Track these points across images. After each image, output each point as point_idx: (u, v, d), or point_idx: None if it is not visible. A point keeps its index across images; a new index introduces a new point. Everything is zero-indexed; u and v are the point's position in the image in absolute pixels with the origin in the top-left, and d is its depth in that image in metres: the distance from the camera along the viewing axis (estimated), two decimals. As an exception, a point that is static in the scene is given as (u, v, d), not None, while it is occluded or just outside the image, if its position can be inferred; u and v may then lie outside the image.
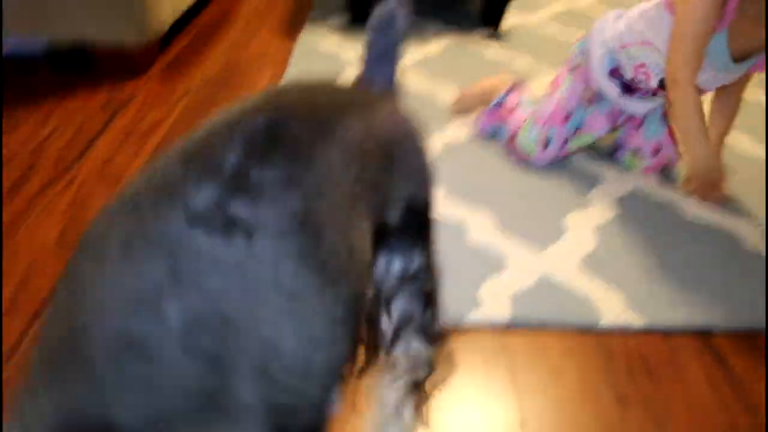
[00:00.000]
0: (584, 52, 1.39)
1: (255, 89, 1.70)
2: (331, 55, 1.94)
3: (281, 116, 0.46)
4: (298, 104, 0.50)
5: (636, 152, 1.41)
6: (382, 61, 0.74)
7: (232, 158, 0.39)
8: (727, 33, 1.17)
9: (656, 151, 1.40)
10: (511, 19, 2.32)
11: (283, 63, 1.88)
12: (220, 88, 1.71)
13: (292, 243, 0.38)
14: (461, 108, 1.59)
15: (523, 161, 1.41)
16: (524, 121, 1.41)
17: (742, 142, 1.59)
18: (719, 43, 1.18)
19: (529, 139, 1.39)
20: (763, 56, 1.21)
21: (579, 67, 1.40)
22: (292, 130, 0.45)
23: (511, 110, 1.45)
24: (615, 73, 1.35)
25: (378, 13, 0.73)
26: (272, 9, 2.37)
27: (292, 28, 2.17)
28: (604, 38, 1.35)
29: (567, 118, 1.38)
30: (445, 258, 0.67)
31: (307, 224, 0.39)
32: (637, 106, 1.38)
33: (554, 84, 1.44)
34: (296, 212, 0.39)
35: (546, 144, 1.38)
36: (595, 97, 1.39)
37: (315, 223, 0.40)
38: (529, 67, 1.93)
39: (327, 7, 2.35)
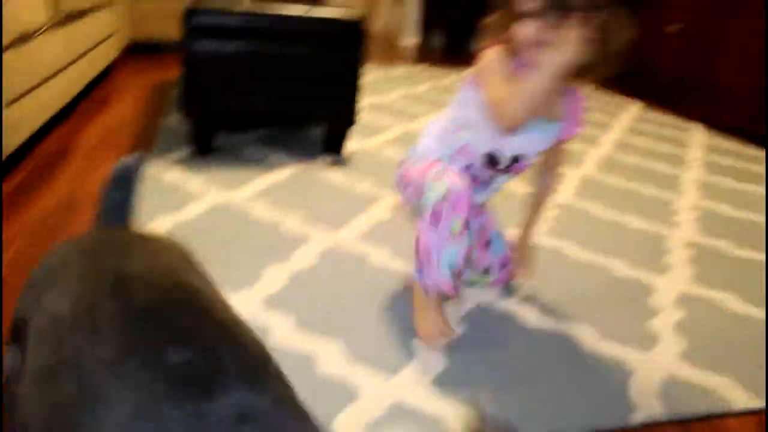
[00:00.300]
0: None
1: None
2: (176, 187, 1.93)
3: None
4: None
5: (486, 270, 1.47)
6: (116, 214, 0.82)
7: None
8: None
9: (503, 265, 1.47)
10: (352, 145, 2.46)
11: (126, 198, 1.84)
12: (57, 228, 1.64)
13: None
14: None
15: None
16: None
17: (575, 252, 1.76)
18: None
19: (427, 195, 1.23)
20: (569, 121, 1.30)
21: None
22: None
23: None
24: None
25: (116, 168, 0.81)
26: (113, 142, 2.34)
27: (134, 161, 2.15)
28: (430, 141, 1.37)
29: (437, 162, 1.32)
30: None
31: None
32: (479, 196, 1.39)
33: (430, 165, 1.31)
34: None
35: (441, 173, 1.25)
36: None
37: None
38: (374, 191, 2.04)
39: (170, 140, 2.37)
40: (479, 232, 1.44)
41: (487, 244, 1.47)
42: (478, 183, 1.36)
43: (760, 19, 3.36)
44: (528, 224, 1.48)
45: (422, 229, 1.21)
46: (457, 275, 1.21)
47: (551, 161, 1.41)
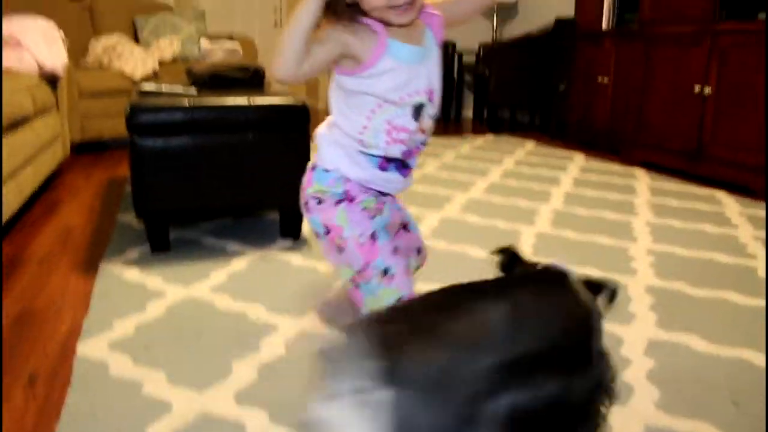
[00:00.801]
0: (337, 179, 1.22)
1: (54, 340, 1.60)
2: (136, 287, 1.90)
3: None
4: None
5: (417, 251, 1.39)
6: None
7: None
8: (391, 43, 1.12)
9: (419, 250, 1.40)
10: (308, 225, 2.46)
11: (84, 303, 1.80)
12: (13, 345, 1.58)
13: None
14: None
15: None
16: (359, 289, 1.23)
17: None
18: (396, 49, 1.12)
19: (378, 295, 1.20)
20: (432, 26, 1.21)
21: (347, 193, 1.21)
22: None
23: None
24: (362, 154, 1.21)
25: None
26: (66, 246, 2.30)
27: (89, 264, 2.11)
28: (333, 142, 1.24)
29: (375, 237, 1.20)
30: None
31: None
32: (397, 179, 1.25)
33: (337, 235, 1.22)
34: None
35: (389, 276, 1.20)
36: (379, 204, 1.25)
37: None
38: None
39: (126, 239, 2.34)
40: (398, 214, 1.35)
41: (406, 227, 1.38)
42: (417, 145, 1.23)
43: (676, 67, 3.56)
44: None
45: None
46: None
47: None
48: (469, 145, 4.56)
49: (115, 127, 4.16)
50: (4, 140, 2.31)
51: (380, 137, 1.17)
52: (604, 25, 4.48)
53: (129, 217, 2.59)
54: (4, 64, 3.01)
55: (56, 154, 3.24)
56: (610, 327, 1.67)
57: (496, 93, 5.33)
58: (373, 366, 0.64)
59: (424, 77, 1.17)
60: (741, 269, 2.13)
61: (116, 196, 3.02)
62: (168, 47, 4.64)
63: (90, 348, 1.53)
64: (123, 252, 2.20)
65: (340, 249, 1.20)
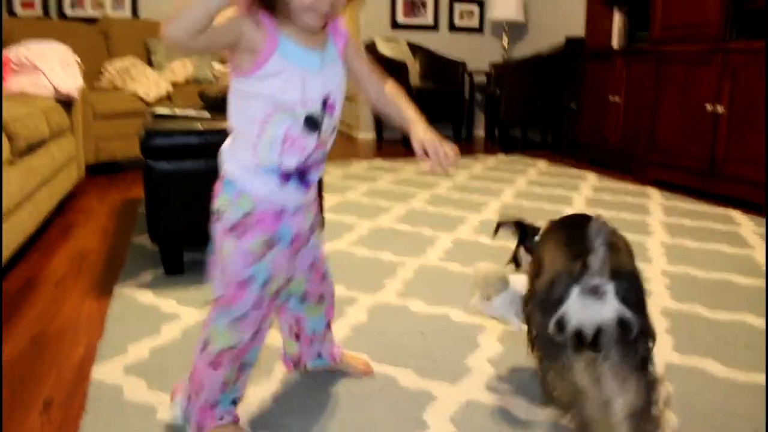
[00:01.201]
0: (234, 201, 1.19)
1: (69, 364, 1.60)
2: (150, 310, 1.90)
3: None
4: None
5: (320, 299, 1.43)
6: None
7: None
8: (283, 41, 1.09)
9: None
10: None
11: (99, 327, 1.81)
12: (28, 369, 1.58)
13: None
14: None
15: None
16: (209, 324, 1.24)
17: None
18: (289, 50, 1.10)
19: (216, 331, 1.23)
20: (335, 35, 1.18)
21: (245, 218, 1.19)
22: None
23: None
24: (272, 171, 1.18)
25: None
26: (81, 269, 2.31)
27: (104, 287, 2.12)
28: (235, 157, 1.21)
29: (245, 284, 1.20)
30: None
31: None
32: (297, 193, 1.23)
33: (219, 259, 1.23)
34: None
35: (237, 321, 1.22)
36: (274, 236, 1.21)
37: None
38: (348, 294, 2.03)
39: (141, 261, 2.35)
40: (312, 264, 1.37)
41: (323, 276, 1.42)
42: (316, 159, 1.21)
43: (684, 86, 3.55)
44: (404, 118, 1.27)
45: (199, 366, 1.25)
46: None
47: (370, 79, 1.29)
48: (482, 165, 4.56)
49: (128, 148, 4.20)
50: (20, 163, 2.33)
51: (274, 149, 1.14)
52: (614, 44, 4.49)
53: (143, 239, 2.61)
54: (21, 88, 3.05)
55: (71, 176, 3.27)
56: (626, 351, 1.65)
57: (507, 112, 5.34)
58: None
59: (319, 85, 1.14)
60: (758, 291, 2.11)
61: (130, 217, 3.03)
62: (181, 70, 4.69)
63: (105, 372, 1.54)
64: (137, 275, 2.21)
65: (218, 270, 1.23)
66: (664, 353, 1.65)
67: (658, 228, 2.88)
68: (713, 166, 3.47)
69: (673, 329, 1.80)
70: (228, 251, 1.20)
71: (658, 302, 1.99)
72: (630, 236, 2.70)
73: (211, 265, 1.25)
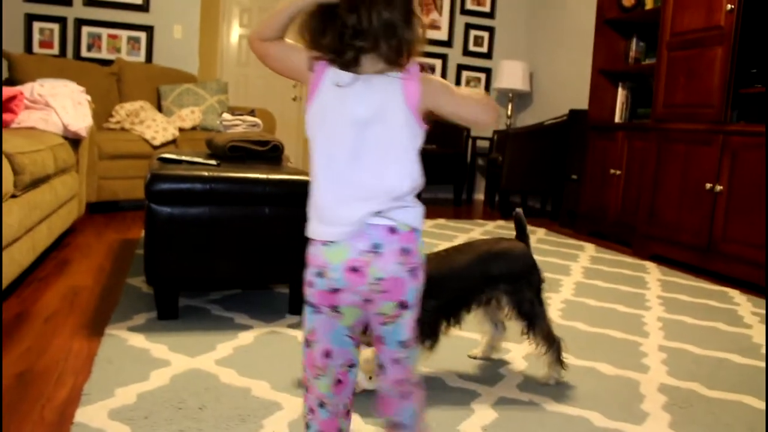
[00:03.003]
0: None
1: (53, 404, 1.56)
2: (140, 355, 1.87)
3: None
4: None
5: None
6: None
7: None
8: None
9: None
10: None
11: (87, 368, 1.77)
12: (11, 406, 1.54)
13: None
14: None
15: None
16: None
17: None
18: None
19: None
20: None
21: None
22: None
23: None
24: None
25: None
26: (73, 307, 2.28)
27: (95, 327, 2.09)
28: None
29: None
30: None
31: None
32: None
33: None
34: None
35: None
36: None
37: None
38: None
39: (133, 303, 2.32)
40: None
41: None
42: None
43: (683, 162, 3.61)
44: None
45: None
46: None
47: None
48: (480, 230, 4.57)
49: (130, 189, 4.22)
50: (23, 197, 2.34)
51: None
52: (617, 119, 4.58)
53: (138, 281, 2.59)
54: (33, 123, 3.08)
55: (71, 213, 3.27)
56: (623, 426, 1.62)
57: (508, 179, 5.40)
58: None
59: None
60: (757, 371, 2.08)
61: (126, 258, 3.02)
62: (189, 116, 4.75)
63: (89, 415, 1.50)
64: (130, 317, 2.18)
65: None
66: (661, 431, 1.62)
67: (656, 303, 2.87)
68: (712, 244, 3.48)
69: (670, 406, 1.77)
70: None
71: (655, 378, 1.96)
72: (627, 309, 2.71)
73: (412, 328, 1.12)
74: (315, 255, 1.06)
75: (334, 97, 1.05)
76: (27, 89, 3.27)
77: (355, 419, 1.53)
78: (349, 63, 1.04)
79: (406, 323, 1.09)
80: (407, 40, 1.04)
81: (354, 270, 1.03)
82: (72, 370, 1.77)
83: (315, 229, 1.06)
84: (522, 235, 1.92)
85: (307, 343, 1.11)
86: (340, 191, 1.05)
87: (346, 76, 1.04)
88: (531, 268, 1.85)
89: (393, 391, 1.13)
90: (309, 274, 1.07)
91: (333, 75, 1.05)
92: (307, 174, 2.30)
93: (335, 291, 1.05)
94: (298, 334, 2.13)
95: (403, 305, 1.07)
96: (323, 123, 1.06)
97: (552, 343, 1.84)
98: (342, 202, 1.04)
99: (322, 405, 1.11)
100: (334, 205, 1.05)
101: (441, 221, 4.76)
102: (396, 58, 1.04)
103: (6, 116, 3.03)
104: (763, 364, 2.16)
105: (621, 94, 4.59)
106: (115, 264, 2.92)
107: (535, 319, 1.82)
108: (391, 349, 1.11)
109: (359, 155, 1.04)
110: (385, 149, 1.06)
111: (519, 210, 1.94)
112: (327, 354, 1.09)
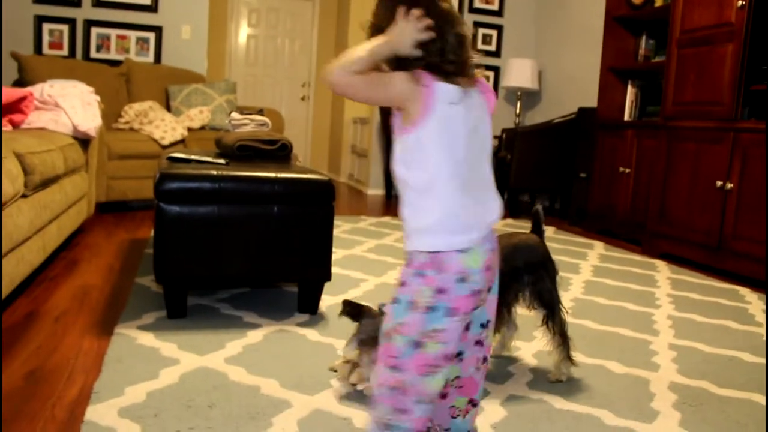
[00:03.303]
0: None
1: (63, 402, 1.57)
2: (150, 353, 1.88)
3: None
4: None
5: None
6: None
7: None
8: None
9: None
10: (326, 301, 2.45)
11: (97, 366, 1.78)
12: (21, 405, 1.55)
13: None
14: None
15: None
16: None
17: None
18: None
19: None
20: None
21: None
22: None
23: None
24: None
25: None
26: (83, 306, 2.30)
27: (105, 326, 2.10)
28: None
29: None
30: None
31: None
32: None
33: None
34: None
35: None
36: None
37: None
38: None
39: (143, 302, 2.33)
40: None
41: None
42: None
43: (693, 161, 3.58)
44: None
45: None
46: None
47: None
48: (488, 227, 4.56)
49: (139, 188, 4.24)
50: (33, 197, 2.35)
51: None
52: (626, 117, 4.55)
53: (147, 281, 2.60)
54: (42, 124, 3.10)
55: (81, 213, 3.29)
56: (633, 424, 1.61)
57: (517, 177, 5.38)
58: None
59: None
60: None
61: (136, 257, 3.03)
62: (198, 116, 4.77)
63: (99, 413, 1.50)
64: (139, 316, 2.19)
65: None
66: (672, 429, 1.61)
67: (666, 301, 2.85)
68: (722, 242, 3.46)
69: (680, 404, 1.76)
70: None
71: (666, 376, 1.95)
72: (637, 307, 2.70)
73: (493, 310, 1.22)
74: (449, 262, 1.08)
75: (450, 108, 1.08)
76: (37, 90, 3.29)
77: (360, 415, 1.54)
78: (455, 74, 1.09)
79: (489, 305, 1.18)
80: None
81: (488, 269, 1.11)
82: (82, 369, 1.78)
83: (448, 241, 1.08)
84: (537, 230, 1.96)
85: (417, 344, 1.09)
86: (471, 195, 1.11)
87: (454, 87, 1.09)
88: (547, 258, 1.90)
89: (476, 371, 1.20)
90: (443, 281, 1.07)
91: (443, 86, 1.08)
92: (315, 172, 2.30)
93: (477, 293, 1.10)
94: (307, 333, 2.13)
95: (490, 290, 1.17)
96: (444, 133, 1.08)
97: (565, 337, 1.85)
98: (477, 204, 1.12)
99: (420, 402, 1.10)
100: (471, 208, 1.10)
101: (449, 220, 4.75)
102: (473, 71, 1.13)
103: (16, 117, 3.05)
104: (775, 363, 2.14)
105: (630, 91, 4.56)
106: (124, 263, 2.93)
107: (555, 308, 1.84)
108: (474, 333, 1.18)
109: (477, 162, 1.13)
110: (486, 153, 1.15)
111: (539, 206, 1.98)
112: (449, 357, 1.11)
